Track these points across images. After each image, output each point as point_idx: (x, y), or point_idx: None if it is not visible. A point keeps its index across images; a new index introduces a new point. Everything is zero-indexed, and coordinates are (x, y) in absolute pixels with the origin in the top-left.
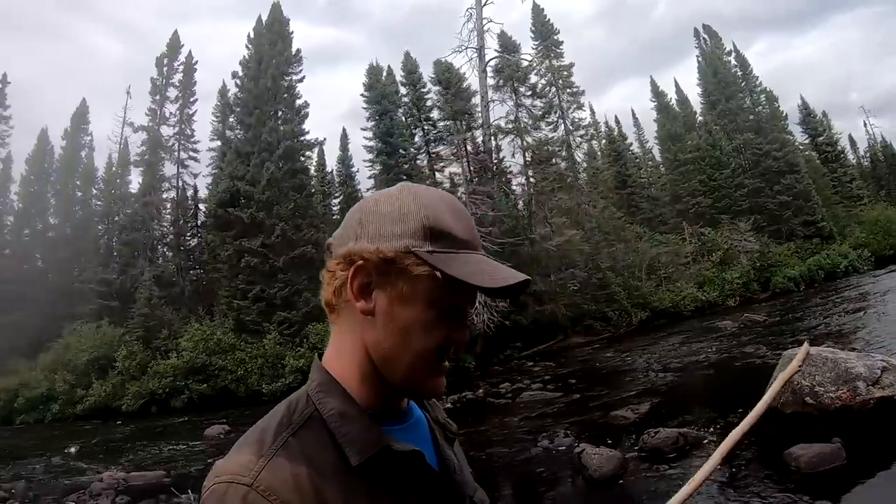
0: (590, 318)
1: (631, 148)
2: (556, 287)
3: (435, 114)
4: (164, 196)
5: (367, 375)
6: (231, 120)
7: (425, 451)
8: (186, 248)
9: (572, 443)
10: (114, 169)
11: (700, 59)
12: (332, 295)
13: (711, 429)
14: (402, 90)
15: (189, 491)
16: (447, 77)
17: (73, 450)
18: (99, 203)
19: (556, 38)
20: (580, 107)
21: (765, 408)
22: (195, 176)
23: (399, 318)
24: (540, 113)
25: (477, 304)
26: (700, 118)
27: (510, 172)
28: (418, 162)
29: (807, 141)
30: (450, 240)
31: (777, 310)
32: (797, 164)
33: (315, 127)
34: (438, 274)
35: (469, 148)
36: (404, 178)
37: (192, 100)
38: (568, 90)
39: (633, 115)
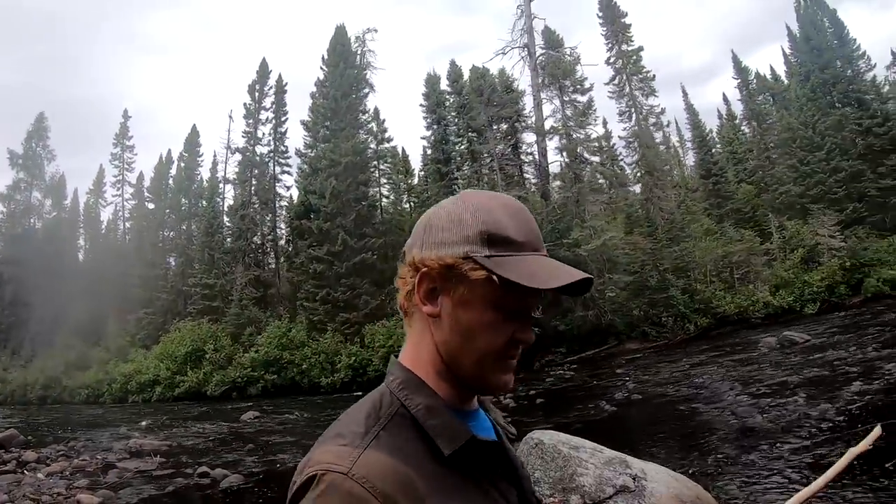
0: (649, 323)
1: (743, 128)
2: (595, 292)
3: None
4: (262, 208)
5: (442, 373)
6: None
7: None
8: (284, 253)
9: None
10: (218, 186)
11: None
12: (405, 299)
13: None
14: (450, 98)
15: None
16: (480, 84)
17: (143, 423)
18: (204, 217)
19: (623, 21)
20: (653, 93)
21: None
22: (288, 188)
23: (462, 320)
24: (581, 109)
25: None
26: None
27: (552, 174)
28: (465, 170)
29: None
30: (507, 243)
31: (836, 326)
32: None
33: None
34: (495, 277)
35: (504, 150)
36: (456, 185)
37: (283, 119)
38: (637, 76)
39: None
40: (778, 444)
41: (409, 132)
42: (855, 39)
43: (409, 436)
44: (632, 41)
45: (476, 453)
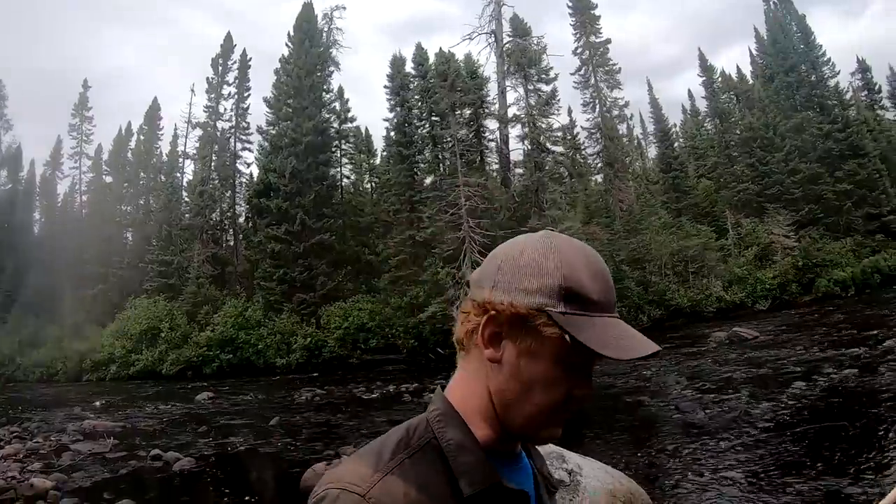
0: None
1: (706, 125)
2: None
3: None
4: (222, 184)
5: (487, 415)
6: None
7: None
8: (242, 231)
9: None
10: (179, 161)
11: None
12: (465, 335)
13: None
14: (414, 81)
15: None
16: (444, 69)
17: (97, 403)
18: (162, 192)
19: (593, 13)
20: (617, 85)
21: None
22: (248, 165)
23: (524, 371)
24: (545, 98)
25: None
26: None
27: (514, 162)
28: (426, 154)
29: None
30: (584, 302)
31: (785, 324)
32: (863, 147)
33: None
34: (567, 337)
35: (466, 136)
36: (417, 168)
37: (246, 94)
38: (603, 68)
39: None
40: (716, 442)
41: (372, 111)
42: (821, 45)
43: (434, 469)
44: (600, 33)
45: (499, 501)
